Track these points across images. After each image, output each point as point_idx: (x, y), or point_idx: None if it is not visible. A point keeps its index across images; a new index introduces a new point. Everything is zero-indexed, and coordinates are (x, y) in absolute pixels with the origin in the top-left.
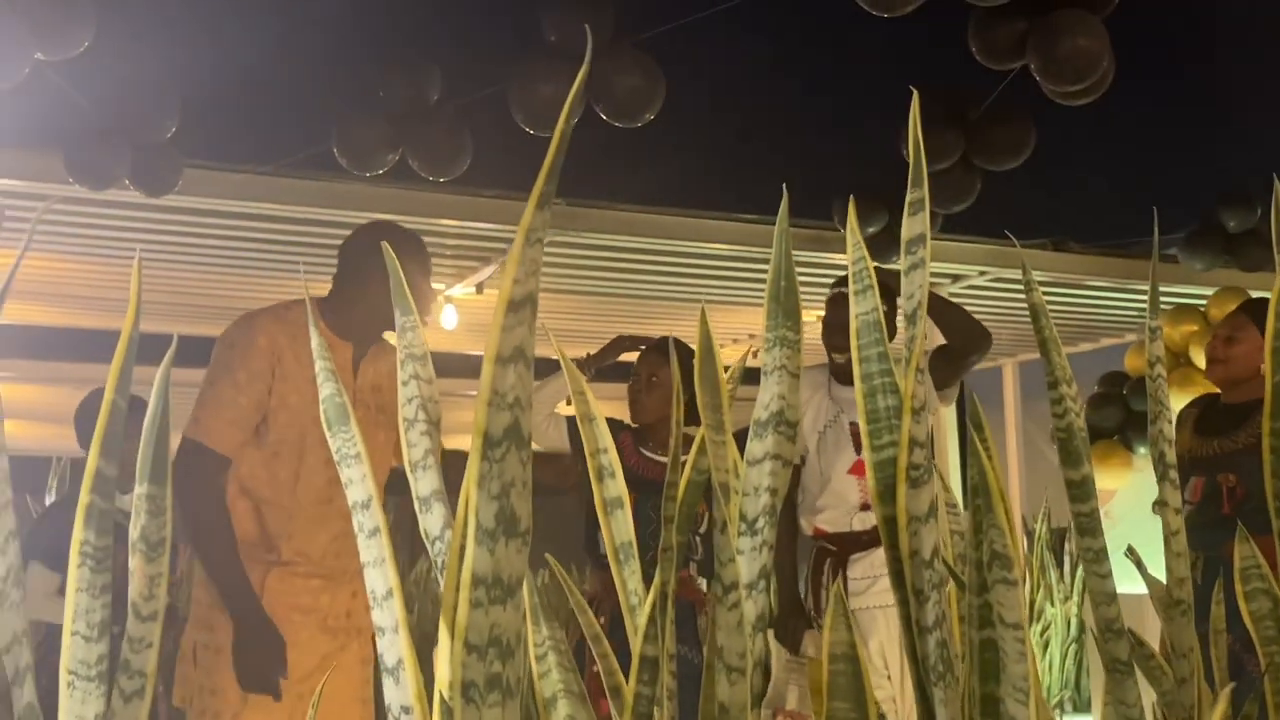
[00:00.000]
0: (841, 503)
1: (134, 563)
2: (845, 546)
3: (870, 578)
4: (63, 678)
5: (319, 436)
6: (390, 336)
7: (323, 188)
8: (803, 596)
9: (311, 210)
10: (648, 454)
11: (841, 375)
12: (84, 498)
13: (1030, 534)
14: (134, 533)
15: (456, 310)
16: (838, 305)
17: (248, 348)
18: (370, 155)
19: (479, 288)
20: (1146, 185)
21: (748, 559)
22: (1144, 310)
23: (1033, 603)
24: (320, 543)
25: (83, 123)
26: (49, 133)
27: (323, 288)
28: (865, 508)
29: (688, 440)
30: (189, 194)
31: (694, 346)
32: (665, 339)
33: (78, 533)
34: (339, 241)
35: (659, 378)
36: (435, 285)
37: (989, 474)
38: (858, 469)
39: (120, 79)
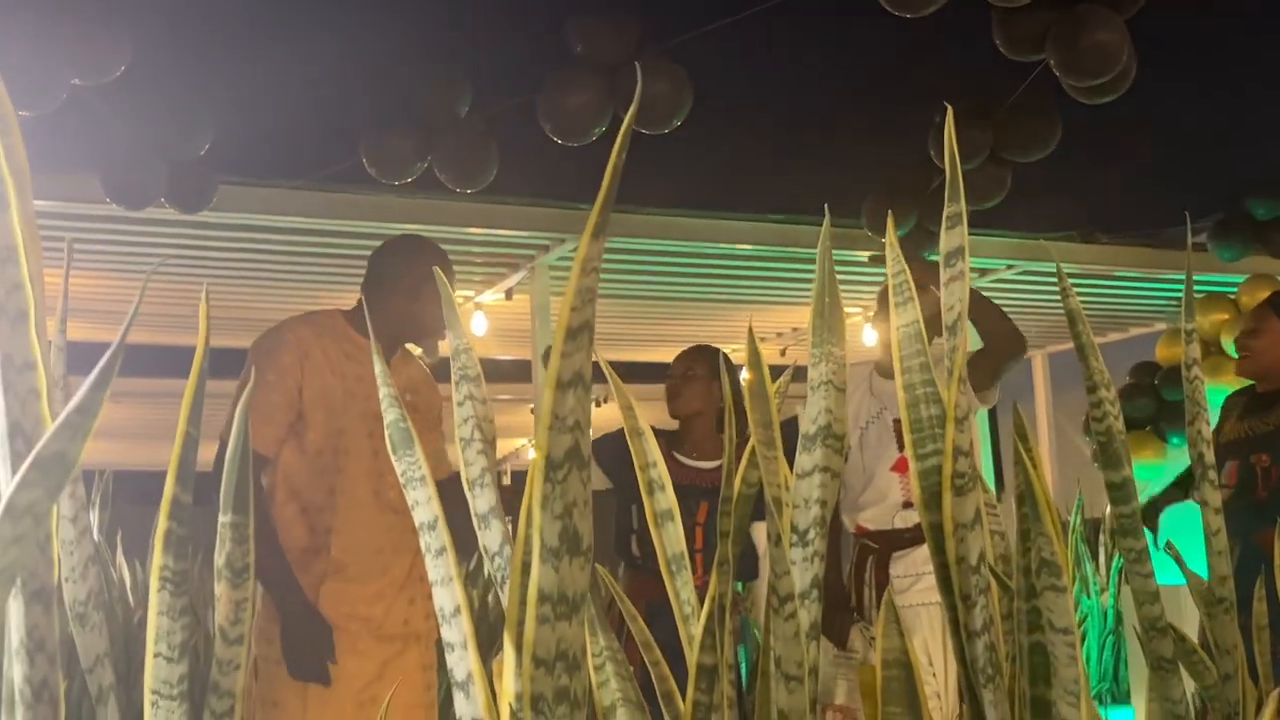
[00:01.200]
0: (883, 500)
1: (220, 589)
2: (887, 544)
3: (913, 575)
4: (146, 698)
5: (356, 437)
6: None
7: (353, 200)
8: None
9: (342, 223)
10: (683, 459)
11: (885, 370)
12: (162, 524)
13: (1064, 526)
14: (219, 560)
15: (486, 316)
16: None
17: (275, 349)
18: (399, 166)
19: (508, 294)
20: (1174, 175)
21: (800, 569)
22: (1173, 299)
23: None
24: (368, 543)
25: (118, 144)
26: (86, 155)
27: (354, 298)
28: (908, 505)
29: (737, 451)
30: (222, 210)
31: (726, 350)
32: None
33: (157, 558)
34: (369, 252)
35: (695, 371)
36: (465, 293)
37: (1035, 483)
38: (900, 466)
39: (153, 99)
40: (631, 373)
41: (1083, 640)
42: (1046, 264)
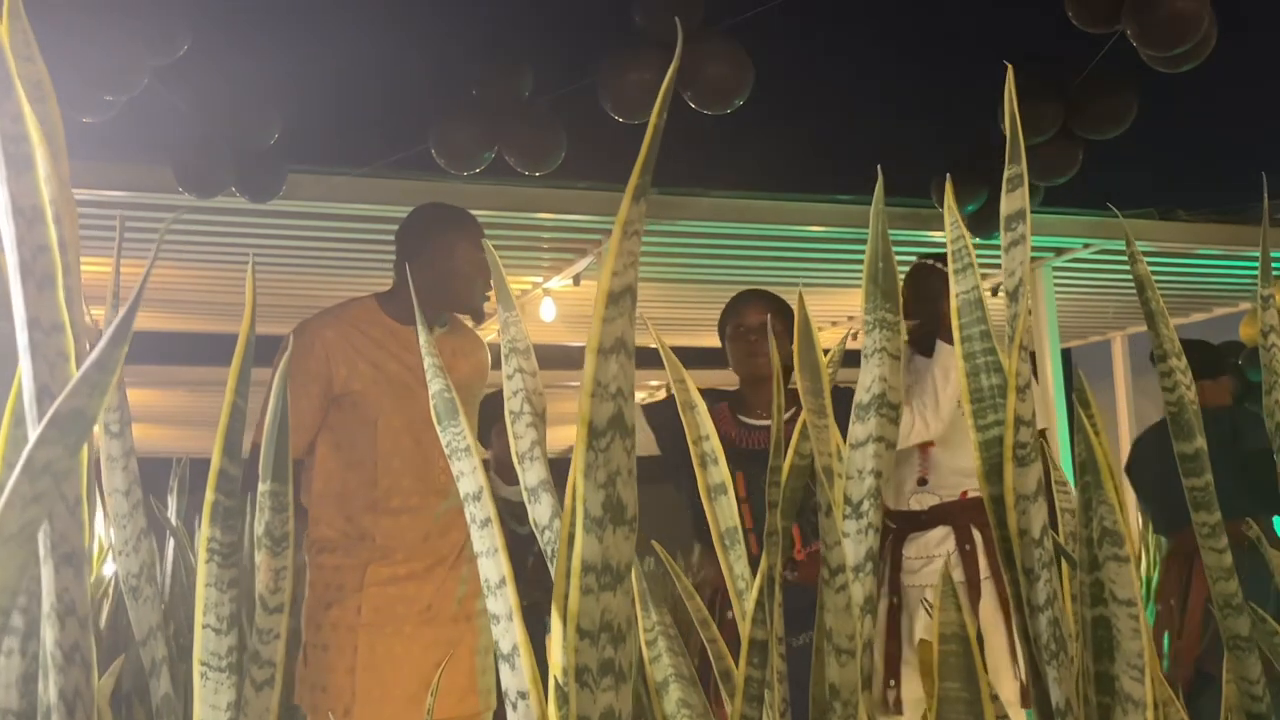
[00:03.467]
0: (901, 479)
1: (260, 557)
2: (904, 524)
3: (925, 558)
4: (196, 669)
5: (395, 423)
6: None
7: (421, 187)
8: None
9: (410, 209)
10: (747, 420)
11: (919, 345)
12: (209, 496)
13: (1144, 512)
14: (259, 528)
15: (554, 303)
16: (918, 274)
17: (301, 353)
18: (467, 153)
19: (576, 280)
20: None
21: (854, 541)
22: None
23: (1148, 580)
24: (414, 529)
25: (189, 133)
26: (157, 145)
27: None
28: (922, 482)
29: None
30: (292, 198)
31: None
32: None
33: (205, 529)
34: None
35: (774, 325)
36: (533, 279)
37: (1097, 450)
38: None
39: (223, 88)
40: (700, 358)
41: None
42: (1124, 243)
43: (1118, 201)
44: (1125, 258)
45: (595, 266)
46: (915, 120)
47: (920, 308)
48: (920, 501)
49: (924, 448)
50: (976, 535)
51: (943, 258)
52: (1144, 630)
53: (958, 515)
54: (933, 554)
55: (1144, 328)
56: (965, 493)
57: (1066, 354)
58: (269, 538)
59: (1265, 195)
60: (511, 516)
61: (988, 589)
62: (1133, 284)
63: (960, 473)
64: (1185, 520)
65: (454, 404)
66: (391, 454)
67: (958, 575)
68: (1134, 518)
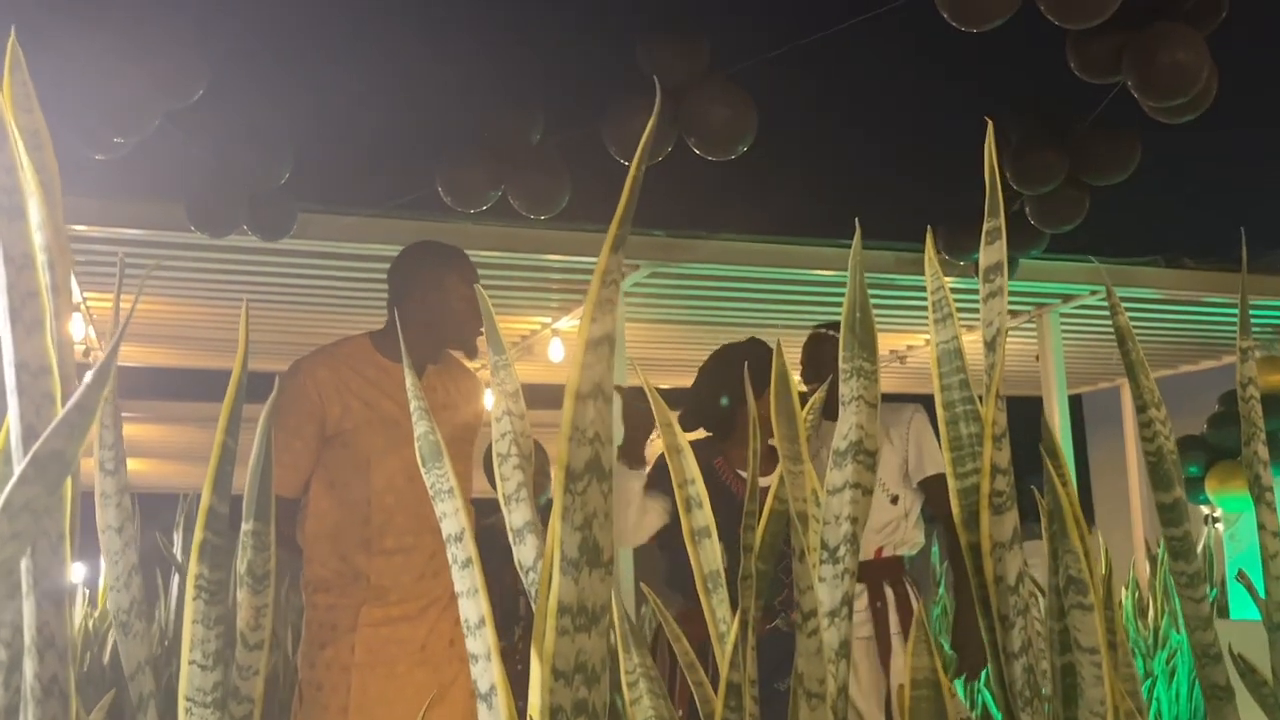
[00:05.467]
0: None
1: (241, 595)
2: None
3: (856, 611)
4: (181, 705)
5: (388, 462)
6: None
7: (430, 228)
8: None
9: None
10: (744, 474)
11: (826, 411)
12: (198, 534)
13: (1154, 559)
14: (241, 566)
15: (562, 343)
16: (814, 344)
17: (296, 393)
18: (473, 194)
19: None
20: (1262, 199)
21: (829, 586)
22: (1265, 325)
23: (1158, 629)
24: (407, 567)
25: (200, 172)
26: (168, 182)
27: None
28: None
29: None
30: (301, 238)
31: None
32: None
33: (193, 566)
34: None
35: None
36: (541, 319)
37: (1064, 500)
38: None
39: (235, 129)
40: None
41: (1172, 676)
42: (1132, 289)
43: (1126, 249)
44: (1133, 305)
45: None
46: (922, 167)
47: (821, 373)
48: None
49: None
50: (888, 592)
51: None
52: (1107, 678)
53: (872, 573)
54: (859, 607)
55: (1156, 374)
56: (879, 550)
57: (1076, 400)
58: (250, 576)
59: (1244, 248)
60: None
61: (898, 645)
62: (1141, 329)
63: (873, 530)
64: None
65: (438, 446)
66: (385, 492)
67: (867, 631)
68: (1134, 563)
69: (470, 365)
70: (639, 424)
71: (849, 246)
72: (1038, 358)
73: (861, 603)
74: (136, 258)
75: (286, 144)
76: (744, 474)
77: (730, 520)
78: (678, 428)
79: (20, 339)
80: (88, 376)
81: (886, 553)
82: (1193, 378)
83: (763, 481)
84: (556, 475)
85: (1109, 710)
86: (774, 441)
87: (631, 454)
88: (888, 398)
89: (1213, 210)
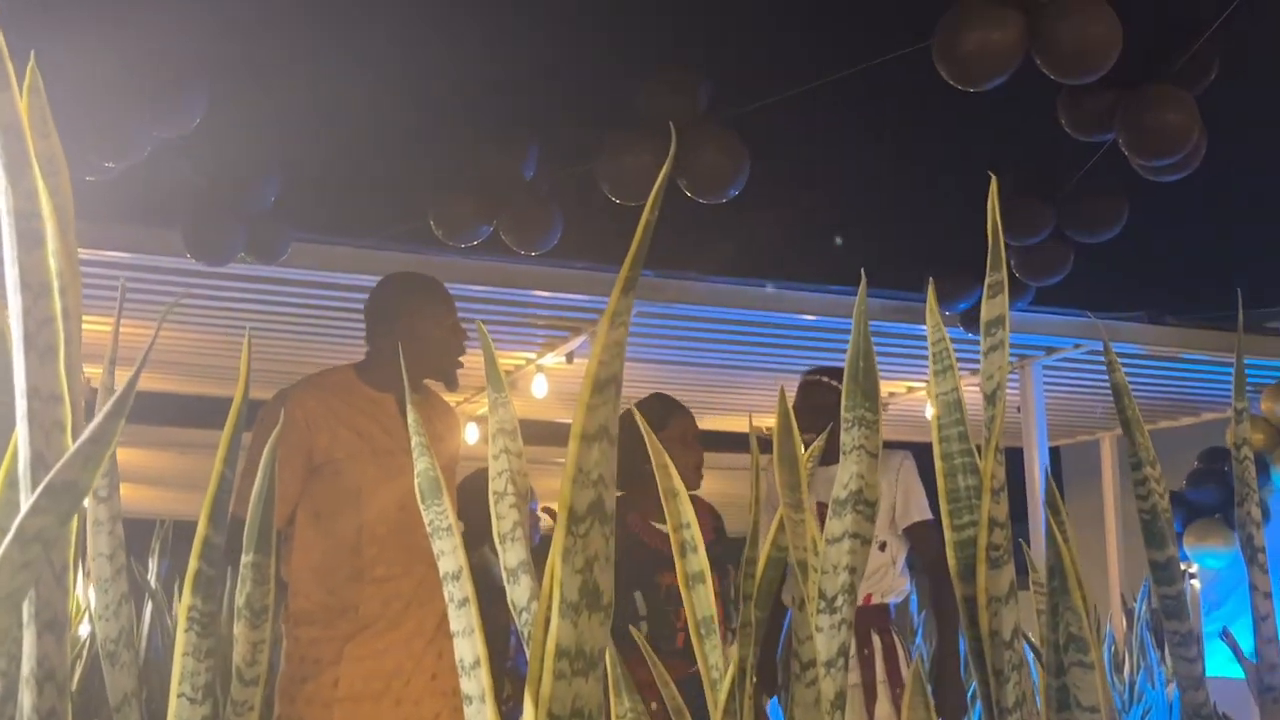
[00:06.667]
0: None
1: (238, 629)
2: None
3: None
4: None
5: (378, 490)
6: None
7: (420, 260)
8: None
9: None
10: (659, 526)
11: (821, 457)
12: (192, 564)
13: (1130, 613)
14: (239, 600)
15: (547, 379)
16: (806, 390)
17: (283, 423)
18: (464, 229)
19: (569, 358)
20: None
21: (826, 636)
22: (1251, 384)
23: (1133, 684)
24: (397, 595)
25: (195, 200)
26: (162, 207)
27: None
28: None
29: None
30: (293, 266)
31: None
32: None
33: (186, 598)
34: None
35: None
36: (527, 354)
37: (1065, 556)
38: None
39: (228, 155)
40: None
41: None
42: (1115, 344)
43: (1111, 304)
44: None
45: (589, 345)
46: (918, 217)
47: (816, 420)
48: None
49: None
50: (875, 640)
51: (835, 373)
52: None
53: (859, 620)
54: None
55: None
56: (868, 597)
57: (1054, 452)
58: (249, 609)
59: (1240, 309)
60: None
61: (883, 693)
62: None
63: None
64: None
65: (438, 483)
66: (376, 522)
67: (854, 678)
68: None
69: (448, 398)
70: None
71: (837, 291)
72: (1019, 409)
73: (850, 650)
74: (126, 282)
75: (276, 168)
76: (654, 524)
77: (644, 568)
78: (673, 469)
79: (34, 365)
80: (105, 406)
81: (874, 600)
82: (1173, 434)
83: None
84: (559, 516)
85: None
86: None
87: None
88: None
89: (1196, 268)
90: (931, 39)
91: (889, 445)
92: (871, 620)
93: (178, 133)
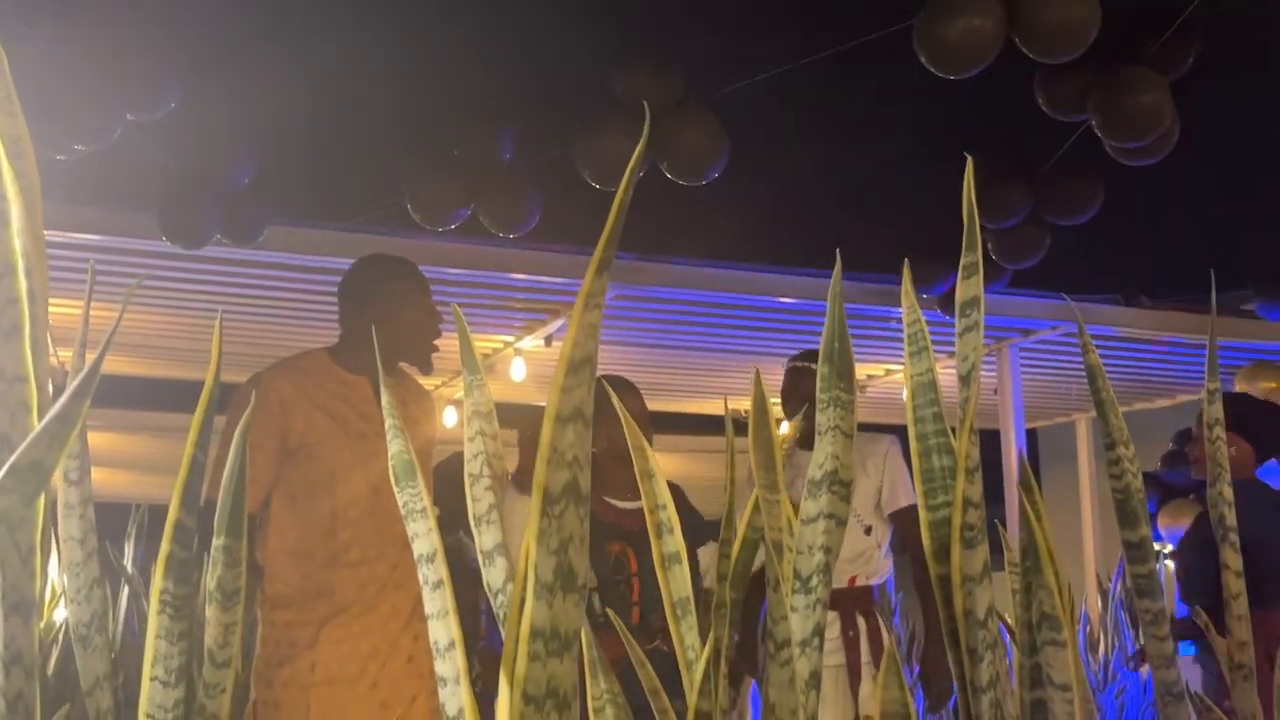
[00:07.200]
0: None
1: (210, 611)
2: None
3: (828, 639)
4: None
5: (352, 473)
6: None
7: (398, 244)
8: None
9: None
10: (615, 503)
11: (802, 441)
12: (164, 547)
13: (1105, 593)
14: (210, 582)
15: (525, 362)
16: (792, 375)
17: (257, 407)
18: (442, 211)
19: (547, 341)
20: (1221, 239)
21: (801, 616)
22: (1224, 366)
23: (1108, 664)
24: (372, 579)
25: (169, 182)
26: (134, 189)
27: None
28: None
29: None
30: (269, 249)
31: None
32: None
33: (158, 581)
34: None
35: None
36: (505, 338)
37: (1038, 535)
38: None
39: (203, 137)
40: (671, 423)
41: (1121, 712)
42: (1090, 326)
43: (1087, 286)
44: (1092, 341)
45: (567, 328)
46: (891, 199)
47: (798, 406)
48: None
49: None
50: (861, 622)
51: (814, 356)
52: (1078, 715)
53: (845, 602)
54: (833, 634)
55: None
56: (853, 579)
57: (1030, 434)
58: (220, 592)
59: (1213, 291)
60: None
61: (867, 674)
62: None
63: (846, 560)
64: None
65: (412, 465)
66: (351, 505)
67: (838, 659)
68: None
69: (425, 382)
70: (536, 450)
71: (814, 275)
72: (996, 392)
73: (833, 631)
74: (98, 265)
75: (253, 150)
76: (608, 499)
77: (594, 539)
78: (649, 451)
79: None
80: (70, 385)
81: (859, 582)
82: (1147, 416)
83: (628, 506)
84: (534, 497)
85: None
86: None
87: (525, 480)
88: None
89: (1171, 251)
90: (909, 20)
91: (867, 429)
92: (857, 602)
93: (150, 117)
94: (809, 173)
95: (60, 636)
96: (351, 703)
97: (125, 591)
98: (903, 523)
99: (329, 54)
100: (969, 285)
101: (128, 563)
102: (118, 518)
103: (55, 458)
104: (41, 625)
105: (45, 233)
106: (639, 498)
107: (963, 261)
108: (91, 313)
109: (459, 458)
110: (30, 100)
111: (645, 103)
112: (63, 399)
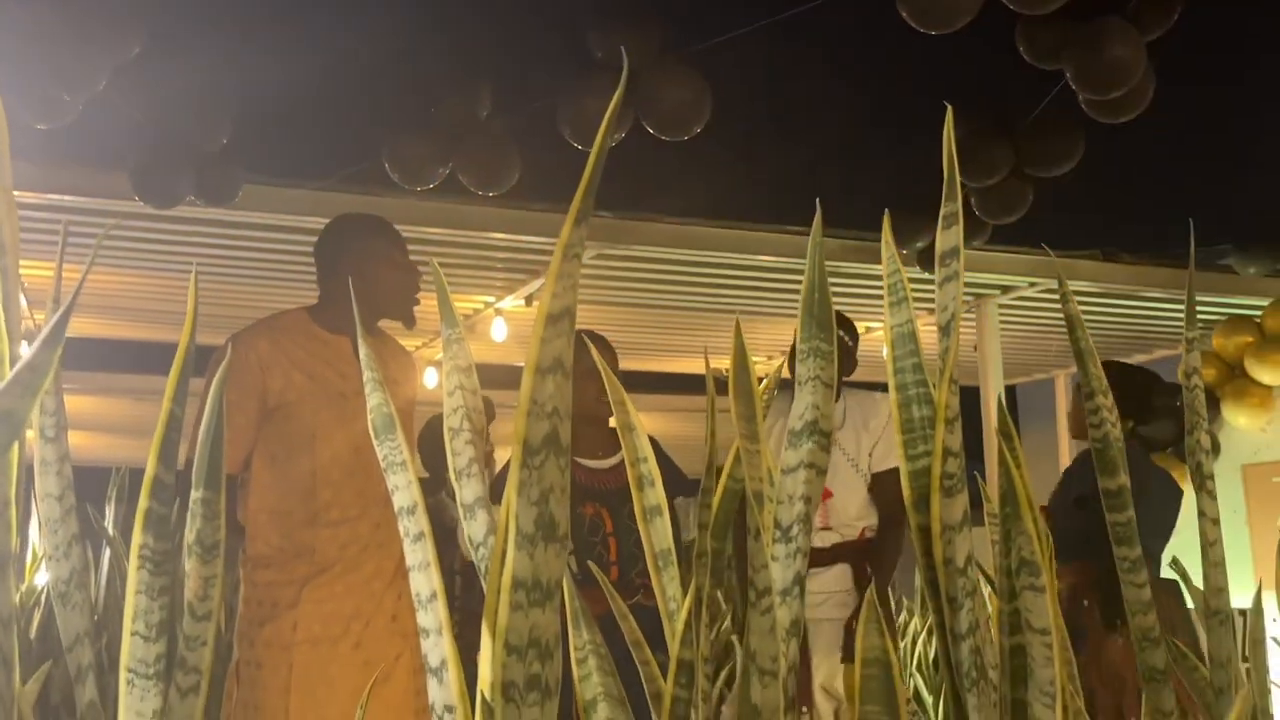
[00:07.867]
0: None
1: (189, 565)
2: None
3: (825, 593)
4: (122, 675)
5: (332, 432)
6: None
7: (375, 202)
8: None
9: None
10: (587, 463)
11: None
12: (143, 503)
13: None
14: (189, 536)
15: (506, 322)
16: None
17: (236, 366)
18: (421, 170)
19: (528, 300)
20: (1199, 194)
21: (782, 565)
22: (1200, 321)
23: None
24: (354, 538)
25: (143, 142)
26: (109, 150)
27: None
28: (825, 529)
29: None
30: (245, 209)
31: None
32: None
33: (137, 536)
34: None
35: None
36: (485, 298)
37: (1017, 482)
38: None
39: (177, 94)
40: (655, 382)
41: None
42: (1070, 282)
43: (1065, 242)
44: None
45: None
46: (872, 155)
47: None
48: (823, 539)
49: (823, 496)
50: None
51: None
52: (1057, 658)
53: (856, 555)
54: (832, 590)
55: None
56: (864, 531)
57: (1010, 391)
58: (199, 545)
59: (1192, 245)
60: None
61: None
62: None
63: (856, 516)
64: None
65: (392, 418)
66: (331, 465)
67: (846, 612)
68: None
69: (406, 342)
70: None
71: (796, 232)
72: (975, 348)
73: (844, 584)
74: (73, 226)
75: (227, 108)
76: (579, 460)
77: (570, 503)
78: (630, 405)
79: None
80: (41, 334)
81: (869, 534)
82: None
83: (599, 465)
84: (514, 449)
85: (1059, 690)
86: (613, 423)
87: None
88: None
89: (1150, 207)
90: None
91: (853, 385)
92: (867, 554)
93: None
94: (786, 129)
95: (42, 600)
96: (334, 662)
97: (107, 554)
98: (883, 483)
99: (305, 10)
100: (949, 235)
101: (109, 525)
102: (98, 481)
103: (27, 407)
104: (24, 588)
105: (17, 194)
106: (609, 455)
107: (942, 211)
108: (65, 274)
109: (441, 419)
110: (8, 59)
111: (624, 51)
112: (34, 347)
